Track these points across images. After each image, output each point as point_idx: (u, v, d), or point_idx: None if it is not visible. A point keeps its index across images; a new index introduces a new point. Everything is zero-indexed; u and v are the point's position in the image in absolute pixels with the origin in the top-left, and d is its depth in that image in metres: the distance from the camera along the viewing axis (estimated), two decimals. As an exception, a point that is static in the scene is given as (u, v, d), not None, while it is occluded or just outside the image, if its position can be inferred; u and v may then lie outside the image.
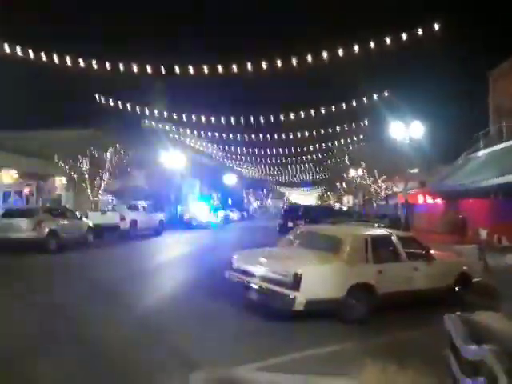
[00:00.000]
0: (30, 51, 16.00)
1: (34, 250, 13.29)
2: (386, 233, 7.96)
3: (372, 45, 15.10)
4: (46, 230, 13.90)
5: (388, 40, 14.86)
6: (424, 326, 5.87)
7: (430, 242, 8.67)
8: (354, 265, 6.67)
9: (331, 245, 7.12)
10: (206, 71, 17.39)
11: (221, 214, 37.45)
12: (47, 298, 7.70)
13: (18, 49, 15.70)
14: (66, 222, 15.23)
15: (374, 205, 34.34)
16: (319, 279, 6.37)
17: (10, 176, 21.80)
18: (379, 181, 32.62)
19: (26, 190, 23.32)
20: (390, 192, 32.47)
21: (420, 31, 14.64)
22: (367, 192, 35.96)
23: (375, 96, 21.52)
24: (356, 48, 15.26)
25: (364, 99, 22.29)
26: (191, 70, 17.45)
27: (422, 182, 26.42)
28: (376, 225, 14.17)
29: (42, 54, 16.22)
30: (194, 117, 26.01)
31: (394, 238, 7.46)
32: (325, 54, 15.62)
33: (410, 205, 23.04)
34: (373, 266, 6.79)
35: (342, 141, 34.86)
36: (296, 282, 6.08)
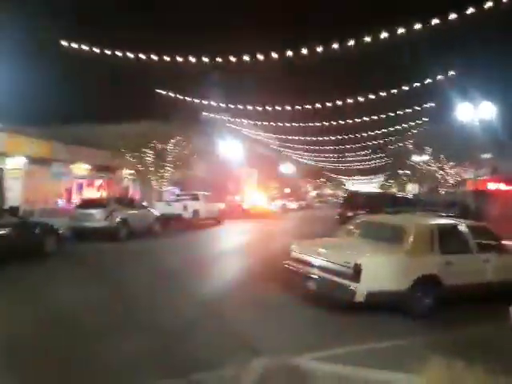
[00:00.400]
0: (95, 48, 17.03)
1: (105, 238, 14.33)
2: (454, 222, 7.54)
3: (435, 21, 14.10)
4: (117, 220, 14.86)
5: (452, 15, 13.79)
6: (494, 320, 5.52)
7: (504, 232, 8.08)
8: (419, 256, 6.40)
9: (394, 235, 6.88)
10: (261, 59, 17.38)
11: (278, 203, 37.60)
12: (117, 283, 8.29)
13: (84, 47, 16.78)
14: (134, 212, 16.15)
15: (442, 193, 32.54)
16: (381, 270, 6.20)
17: (83, 169, 23.51)
18: (446, 167, 30.78)
19: (98, 182, 25.07)
20: (458, 179, 30.55)
21: (489, 4, 13.42)
22: (433, 179, 34.12)
23: (440, 76, 20.15)
24: (418, 26, 14.34)
25: (428, 80, 20.98)
26: (247, 58, 17.53)
27: (494, 168, 24.52)
28: (443, 214, 13.43)
29: (107, 50, 17.19)
30: (250, 107, 26.18)
31: (462, 228, 7.05)
32: (384, 34, 14.89)
33: (482, 192, 21.49)
34: (440, 257, 6.48)
35: (405, 125, 33.20)
36: (356, 273, 5.97)
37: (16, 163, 18.70)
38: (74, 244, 13.50)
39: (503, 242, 7.35)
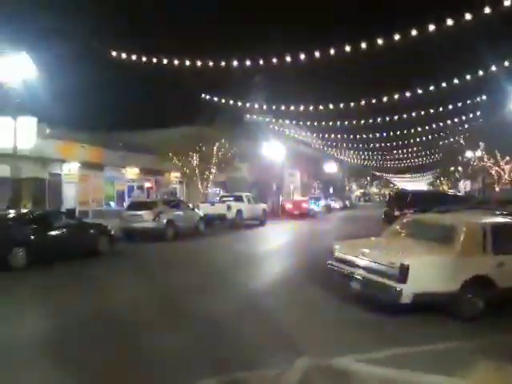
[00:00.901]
0: (142, 56, 17.74)
1: (153, 238, 14.90)
2: (507, 220, 7.12)
3: (487, 10, 13.34)
4: (165, 221, 15.38)
5: (506, 2, 12.96)
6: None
7: None
8: (470, 256, 6.10)
9: (443, 234, 6.60)
10: (302, 59, 17.31)
11: (322, 203, 37.17)
12: (165, 280, 8.64)
13: (133, 55, 17.53)
14: (180, 213, 16.66)
15: (497, 189, 30.70)
16: (429, 271, 5.97)
17: (133, 172, 24.56)
18: (502, 162, 29.01)
19: (147, 185, 26.07)
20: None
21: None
22: (488, 175, 32.27)
23: (493, 68, 19.00)
24: (468, 16, 13.63)
25: (480, 72, 19.87)
26: (288, 58, 17.53)
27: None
28: (498, 212, 12.67)
29: (153, 58, 17.86)
30: (292, 107, 26.12)
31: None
32: (431, 27, 14.30)
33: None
34: (492, 257, 6.14)
35: (456, 120, 31.63)
36: (403, 274, 5.79)
37: (71, 168, 19.87)
38: (124, 244, 14.16)
39: None
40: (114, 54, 17.63)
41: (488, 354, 3.63)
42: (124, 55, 17.71)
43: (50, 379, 4.18)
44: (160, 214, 15.37)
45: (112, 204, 23.01)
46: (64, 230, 11.02)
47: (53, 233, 10.67)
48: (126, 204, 21.11)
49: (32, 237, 10.06)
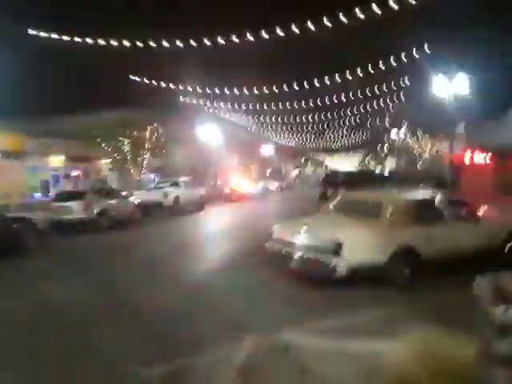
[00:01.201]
0: (66, 37, 16.47)
1: (85, 229, 14.14)
2: (429, 194, 7.73)
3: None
4: (96, 211, 14.64)
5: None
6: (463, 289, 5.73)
7: (480, 203, 8.37)
8: (397, 228, 6.57)
9: (372, 210, 7.03)
10: (235, 39, 17.17)
11: (259, 185, 37.67)
12: (98, 276, 8.25)
13: (54, 35, 16.21)
14: (113, 202, 15.93)
15: (418, 167, 33.18)
16: (361, 245, 6.35)
17: (59, 160, 22.97)
18: (422, 141, 31.33)
19: (75, 173, 24.57)
20: (434, 154, 31.17)
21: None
22: (411, 154, 34.72)
23: (414, 50, 20.30)
24: (391, 2, 14.35)
25: (402, 55, 21.13)
26: (220, 40, 17.28)
27: (469, 142, 25.08)
28: (421, 186, 13.73)
29: (77, 38, 16.66)
30: (226, 90, 25.92)
31: (437, 200, 7.24)
32: (357, 10, 14.86)
33: (457, 165, 22.03)
34: (416, 228, 6.66)
35: (382, 102, 33.47)
36: (337, 249, 6.10)
37: (-13, 158, 18.14)
38: (54, 238, 13.26)
39: (479, 212, 7.60)
40: (33, 32, 16.16)
41: (417, 319, 3.94)
42: (44, 34, 16.30)
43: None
44: (91, 203, 14.60)
45: (36, 195, 21.42)
46: (-18, 226, 10.07)
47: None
48: (51, 195, 19.76)
49: None
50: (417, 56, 21.16)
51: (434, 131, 27.69)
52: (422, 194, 8.30)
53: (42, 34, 16.41)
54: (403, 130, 33.48)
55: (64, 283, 7.61)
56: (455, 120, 21.38)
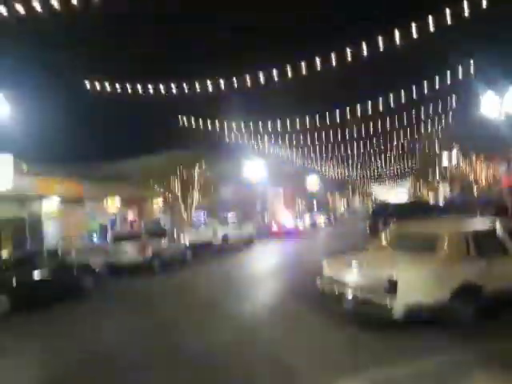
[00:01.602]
0: (118, 85, 17.77)
1: (139, 271, 14.54)
2: (489, 224, 7.25)
3: (448, 11, 13.80)
4: (150, 253, 15.05)
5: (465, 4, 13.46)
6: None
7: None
8: (456, 263, 6.17)
9: (428, 244, 6.66)
10: (275, 76, 17.63)
11: (306, 219, 37.29)
12: (156, 316, 8.43)
13: (106, 84, 17.56)
14: (166, 243, 16.35)
15: (475, 193, 31.43)
16: (418, 283, 5.99)
17: (114, 202, 24.19)
18: (478, 166, 29.77)
19: (130, 217, 25.70)
20: (490, 175, 29.48)
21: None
22: (464, 179, 33.06)
23: (460, 69, 19.69)
24: (430, 21, 14.11)
25: (448, 75, 20.54)
26: (261, 77, 17.80)
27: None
28: (479, 216, 12.93)
29: (128, 85, 17.91)
30: (270, 125, 26.41)
31: (499, 230, 6.76)
32: (397, 36, 14.80)
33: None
34: (478, 262, 6.22)
35: (430, 126, 32.48)
36: (392, 288, 5.80)
37: (50, 205, 19.45)
38: (110, 280, 13.78)
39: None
40: (87, 83, 17.60)
41: (484, 363, 3.62)
42: (97, 83, 17.69)
43: None
44: (145, 246, 15.08)
45: (95, 238, 22.55)
46: (46, 271, 10.70)
47: (35, 275, 10.35)
48: (109, 237, 20.71)
49: (14, 282, 9.73)
50: (463, 75, 20.46)
51: (488, 154, 26.27)
52: (481, 223, 7.81)
53: (96, 82, 17.81)
54: (454, 153, 32.05)
55: (117, 325, 7.86)
56: (510, 140, 20.20)
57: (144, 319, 8.32)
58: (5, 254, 11.93)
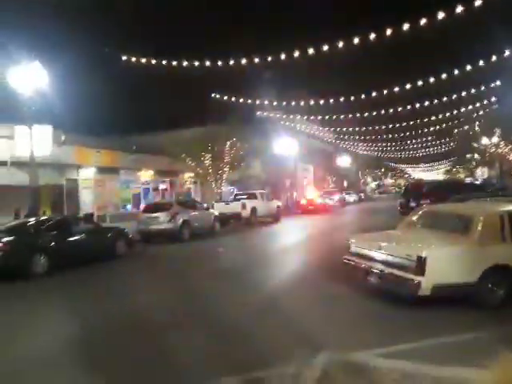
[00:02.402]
0: (153, 60, 17.89)
1: (170, 239, 15.07)
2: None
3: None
4: (180, 221, 15.52)
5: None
6: None
7: None
8: (488, 245, 6.03)
9: (459, 224, 6.55)
10: (310, 53, 17.19)
11: (336, 197, 36.97)
12: (183, 282, 8.74)
13: (142, 59, 17.72)
14: (196, 213, 16.78)
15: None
16: (447, 262, 5.92)
17: (148, 174, 24.82)
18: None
19: (162, 186, 26.33)
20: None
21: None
22: (505, 161, 31.60)
23: (507, 51, 18.53)
24: (478, 1, 13.30)
25: (493, 57, 19.41)
26: (296, 54, 17.42)
27: None
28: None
29: (163, 60, 18.01)
30: (302, 102, 25.99)
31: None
32: (440, 14, 14.03)
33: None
34: (511, 246, 6.05)
35: (471, 107, 30.98)
36: (421, 266, 5.76)
37: (86, 173, 20.21)
38: (142, 246, 14.36)
39: None
40: (124, 58, 17.82)
41: (509, 343, 3.58)
42: (134, 59, 17.88)
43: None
44: (176, 215, 15.51)
45: (128, 207, 23.31)
46: (83, 235, 11.25)
47: (72, 238, 10.89)
48: (141, 206, 21.39)
49: (52, 243, 10.29)
50: (509, 57, 19.28)
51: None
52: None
53: (133, 58, 17.98)
54: (496, 136, 30.54)
55: (145, 286, 8.25)
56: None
57: (168, 282, 8.68)
58: (44, 217, 12.56)
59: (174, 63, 18.31)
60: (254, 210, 21.12)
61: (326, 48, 16.78)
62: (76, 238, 11.00)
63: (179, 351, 4.96)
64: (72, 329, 5.86)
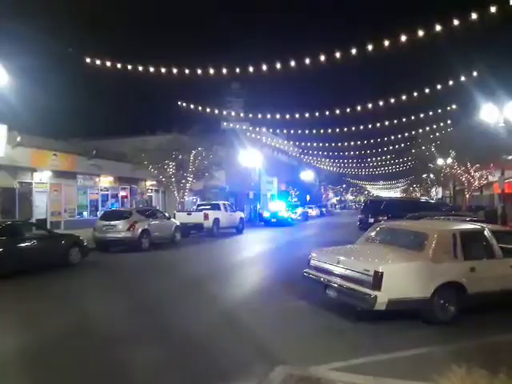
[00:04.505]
0: (119, 64, 17.51)
1: (128, 248, 14.61)
2: (477, 227, 7.34)
3: (455, 22, 13.80)
4: (139, 231, 15.10)
5: (474, 15, 13.47)
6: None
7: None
8: (442, 262, 6.25)
9: (415, 241, 6.77)
10: (278, 67, 17.44)
11: (299, 210, 37.42)
12: (137, 292, 8.46)
13: (108, 63, 17.29)
14: (156, 222, 16.38)
15: (467, 196, 31.64)
16: (402, 278, 6.08)
17: (107, 181, 24.07)
18: (471, 170, 29.91)
19: (122, 194, 25.60)
20: (484, 182, 29.67)
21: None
22: (458, 182, 33.24)
23: (462, 77, 19.67)
24: (437, 27, 14.06)
25: (450, 81, 20.54)
26: (264, 67, 17.62)
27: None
28: (468, 219, 13.07)
29: (128, 65, 17.66)
30: (269, 115, 26.29)
31: (487, 233, 6.85)
32: (403, 38, 14.70)
33: (509, 195, 20.83)
34: (463, 263, 6.31)
35: (428, 128, 32.55)
36: (377, 281, 5.87)
37: (42, 177, 19.32)
38: (98, 255, 13.81)
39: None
40: (88, 60, 17.31)
41: (460, 358, 3.69)
42: (98, 62, 17.41)
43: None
44: (135, 223, 15.09)
45: (85, 214, 22.45)
46: (34, 241, 10.67)
47: (22, 244, 10.31)
48: (99, 213, 20.66)
49: (1, 249, 9.68)
50: (465, 81, 20.46)
51: (484, 160, 26.35)
52: (470, 225, 7.90)
53: (97, 61, 17.49)
54: (450, 158, 32.12)
55: (96, 300, 7.88)
56: (506, 148, 20.32)
57: (123, 293, 8.36)
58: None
59: (140, 68, 17.99)
60: (216, 220, 20.94)
61: (292, 64, 17.11)
62: (27, 244, 10.41)
63: (135, 362, 4.74)
64: (12, 341, 5.48)
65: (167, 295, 8.22)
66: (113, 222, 15.02)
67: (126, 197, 25.93)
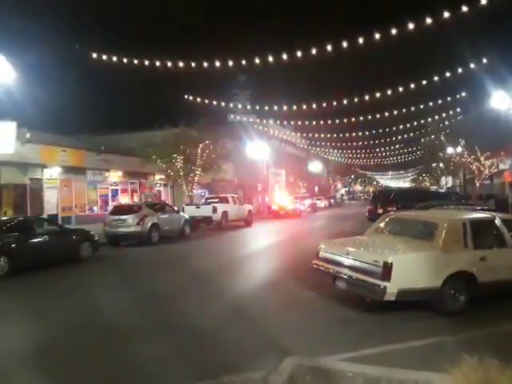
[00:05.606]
0: (125, 59, 17.54)
1: (138, 242, 14.74)
2: (488, 216, 7.26)
3: (464, 8, 13.53)
4: (149, 224, 15.20)
5: (483, 0, 13.18)
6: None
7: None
8: (452, 252, 6.21)
9: (425, 231, 6.73)
10: (284, 58, 17.33)
11: (307, 202, 37.34)
12: (147, 285, 8.57)
13: (113, 57, 17.33)
14: (165, 216, 16.49)
15: (477, 185, 31.27)
16: (412, 268, 6.05)
17: (117, 175, 24.24)
18: (481, 158, 29.51)
19: (131, 188, 25.78)
20: (494, 170, 29.28)
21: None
22: (468, 171, 32.84)
23: (472, 64, 19.33)
24: (446, 13, 13.81)
25: (459, 69, 20.20)
26: (271, 59, 17.52)
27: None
28: (479, 208, 12.93)
29: (135, 60, 17.68)
30: (276, 107, 26.18)
31: (497, 222, 6.78)
32: (411, 25, 14.48)
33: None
34: (473, 252, 6.26)
35: (437, 117, 32.11)
36: (386, 272, 5.85)
37: (52, 173, 19.51)
38: (109, 249, 13.97)
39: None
40: (94, 56, 17.35)
41: (471, 348, 3.68)
42: (105, 57, 17.44)
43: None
44: (144, 217, 15.19)
45: (95, 209, 22.66)
46: (46, 236, 10.83)
47: (34, 240, 10.47)
48: (109, 207, 20.85)
49: (14, 245, 9.85)
50: (474, 69, 20.11)
51: (494, 147, 25.99)
52: (480, 214, 7.82)
53: (104, 57, 17.53)
54: (460, 146, 31.71)
55: (108, 293, 7.99)
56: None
57: (134, 287, 8.45)
58: (5, 218, 12.02)
59: (147, 63, 17.99)
60: (225, 213, 21.01)
61: (299, 54, 16.97)
62: (39, 239, 10.58)
63: (146, 355, 4.81)
64: (30, 332, 5.61)
65: (178, 288, 8.30)
66: (123, 217, 15.14)
67: (135, 191, 26.10)
